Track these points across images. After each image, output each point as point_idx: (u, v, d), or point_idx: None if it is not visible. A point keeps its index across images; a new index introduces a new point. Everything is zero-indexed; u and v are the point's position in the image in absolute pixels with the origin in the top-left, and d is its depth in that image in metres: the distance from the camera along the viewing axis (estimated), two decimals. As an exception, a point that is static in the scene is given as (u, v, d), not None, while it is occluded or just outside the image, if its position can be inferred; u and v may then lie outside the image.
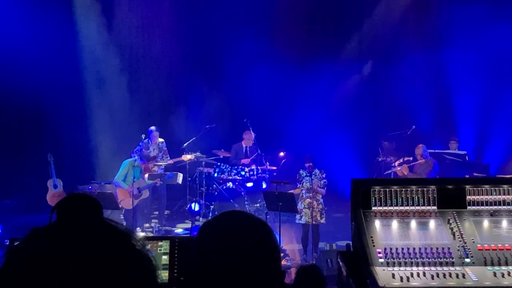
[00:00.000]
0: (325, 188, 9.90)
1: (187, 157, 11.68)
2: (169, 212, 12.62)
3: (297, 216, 9.77)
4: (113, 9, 13.27)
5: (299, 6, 14.24)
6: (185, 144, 12.14)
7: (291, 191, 9.83)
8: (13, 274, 1.03)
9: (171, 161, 11.69)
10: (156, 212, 12.03)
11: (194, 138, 12.47)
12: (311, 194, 9.71)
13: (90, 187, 11.56)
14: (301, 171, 9.99)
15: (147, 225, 11.31)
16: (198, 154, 11.84)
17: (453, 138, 13.34)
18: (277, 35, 13.68)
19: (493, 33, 13.64)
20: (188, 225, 11.21)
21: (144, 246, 1.14)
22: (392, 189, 3.59)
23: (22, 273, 1.02)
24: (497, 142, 13.21)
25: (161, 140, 11.89)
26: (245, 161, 12.25)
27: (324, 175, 9.91)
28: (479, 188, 3.60)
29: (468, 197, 3.60)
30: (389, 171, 11.74)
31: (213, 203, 11.75)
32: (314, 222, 9.66)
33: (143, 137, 11.53)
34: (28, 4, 12.31)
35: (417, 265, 3.25)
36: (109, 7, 13.30)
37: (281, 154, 13.07)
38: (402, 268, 3.22)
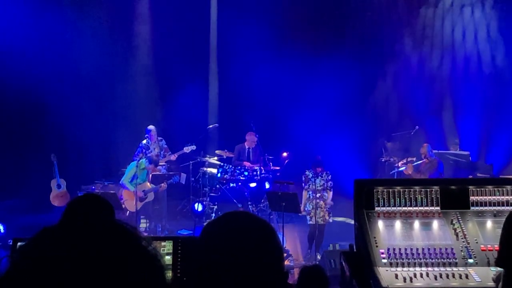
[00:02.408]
0: (332, 191, 9.90)
1: (188, 148, 11.67)
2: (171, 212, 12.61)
3: (308, 217, 9.76)
4: (114, 4, 13.22)
5: (304, 5, 14.23)
6: (189, 144, 12.12)
7: (303, 198, 9.80)
8: (20, 274, 1.03)
9: (173, 156, 11.66)
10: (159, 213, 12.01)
11: (199, 137, 12.47)
12: (318, 195, 9.70)
13: (93, 187, 11.57)
14: (307, 172, 9.93)
15: (144, 223, 11.25)
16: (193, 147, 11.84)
17: (454, 139, 13.33)
18: (280, 36, 13.68)
19: (495, 33, 13.64)
20: (191, 226, 11.20)
21: (151, 245, 1.15)
22: (395, 190, 3.59)
23: (29, 273, 1.02)
24: (500, 142, 13.19)
25: (160, 138, 11.88)
26: (247, 164, 12.24)
27: (330, 177, 9.90)
28: (482, 189, 3.60)
29: (471, 197, 3.60)
30: (394, 171, 11.73)
31: (216, 203, 11.74)
32: (322, 222, 9.65)
33: (146, 136, 11.54)
34: (29, 2, 12.32)
35: (420, 265, 3.25)
36: (109, 3, 13.27)
37: (284, 154, 13.07)
38: (405, 269, 3.22)
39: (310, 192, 9.78)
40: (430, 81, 14.39)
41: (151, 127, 11.73)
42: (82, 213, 1.05)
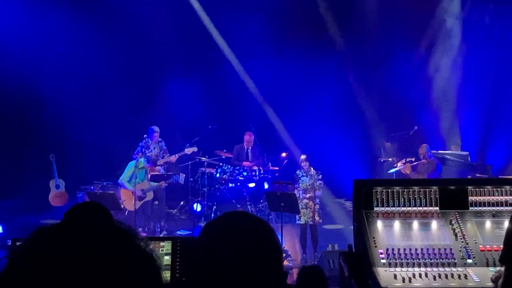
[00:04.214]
0: (321, 190, 9.97)
1: (190, 150, 11.66)
2: (170, 212, 12.61)
3: (297, 217, 9.79)
4: (113, 4, 13.18)
5: (305, 6, 14.23)
6: (188, 145, 12.11)
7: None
8: (17, 272, 1.03)
9: (173, 157, 11.65)
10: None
11: (198, 137, 12.46)
12: (307, 195, 9.72)
13: (92, 187, 11.57)
14: (298, 172, 9.99)
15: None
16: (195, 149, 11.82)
17: (455, 139, 13.32)
18: (280, 36, 13.67)
19: (495, 33, 13.64)
20: (190, 226, 11.21)
21: (148, 245, 1.15)
22: (394, 190, 3.59)
23: (26, 272, 1.02)
24: (499, 143, 13.18)
25: (160, 139, 11.88)
26: (247, 164, 12.24)
27: (320, 176, 9.94)
28: (481, 189, 3.60)
29: (470, 198, 3.60)
30: (393, 170, 11.74)
31: (215, 203, 11.74)
32: (312, 223, 9.68)
33: (145, 137, 11.54)
34: (28, 2, 12.31)
35: (419, 265, 3.25)
36: (109, 3, 13.23)
37: (283, 154, 13.07)
38: (404, 269, 3.22)
39: (301, 192, 9.80)
40: (429, 81, 14.39)
41: (155, 127, 11.74)
42: (79, 215, 1.05)
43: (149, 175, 10.97)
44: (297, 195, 9.79)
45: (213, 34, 14.37)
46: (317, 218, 9.77)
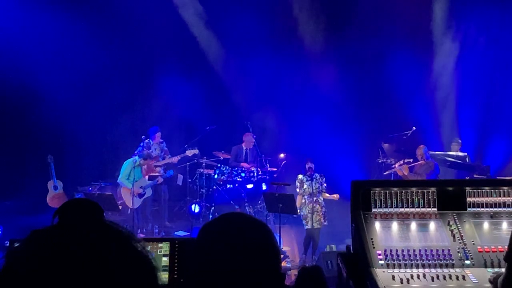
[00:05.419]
0: (326, 192, 9.92)
1: (191, 152, 11.66)
2: (169, 213, 12.60)
3: (304, 222, 9.73)
4: (112, 3, 13.15)
5: (304, 6, 14.23)
6: (186, 146, 12.11)
7: (297, 203, 9.70)
8: (13, 275, 1.03)
9: (175, 158, 11.65)
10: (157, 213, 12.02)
11: (196, 138, 12.47)
12: (314, 199, 9.66)
13: (90, 188, 11.56)
14: (301, 176, 9.86)
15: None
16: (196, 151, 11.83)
17: (455, 139, 13.31)
18: (279, 36, 13.67)
19: (494, 33, 13.65)
20: (188, 227, 11.20)
21: (144, 247, 1.14)
22: (392, 191, 3.59)
23: (23, 274, 1.02)
24: (497, 144, 13.19)
25: (161, 140, 11.90)
26: (245, 165, 12.23)
27: (324, 179, 9.88)
28: (479, 190, 3.60)
29: (468, 199, 3.60)
30: (389, 171, 11.73)
31: (213, 204, 11.74)
32: (318, 226, 9.63)
33: (144, 138, 11.54)
34: (23, 1, 12.29)
35: (417, 267, 3.25)
36: (108, 2, 13.22)
37: (282, 155, 13.07)
38: (402, 270, 3.22)
39: (306, 197, 9.73)
40: (428, 82, 14.39)
41: (155, 128, 11.78)
42: (71, 215, 1.06)
43: (146, 175, 11.02)
44: (303, 201, 9.72)
45: (212, 34, 14.36)
46: (322, 220, 9.69)
